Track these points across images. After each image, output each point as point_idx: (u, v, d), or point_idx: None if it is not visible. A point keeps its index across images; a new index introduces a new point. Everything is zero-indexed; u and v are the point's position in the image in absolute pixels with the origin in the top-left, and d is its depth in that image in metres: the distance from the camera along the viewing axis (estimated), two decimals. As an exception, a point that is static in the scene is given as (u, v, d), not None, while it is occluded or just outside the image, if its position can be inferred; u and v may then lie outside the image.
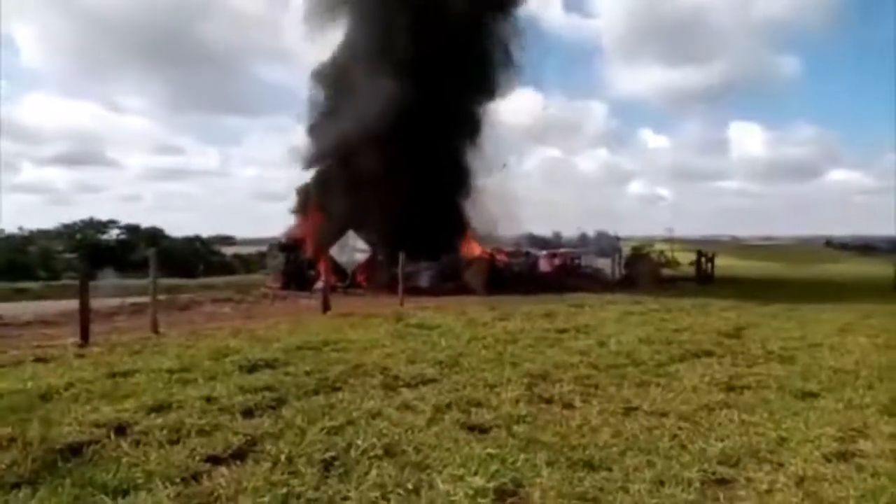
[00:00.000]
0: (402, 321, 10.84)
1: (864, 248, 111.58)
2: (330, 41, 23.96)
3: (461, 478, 3.70)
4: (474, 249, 22.08)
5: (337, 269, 18.59)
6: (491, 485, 3.59)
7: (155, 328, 9.74)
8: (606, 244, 29.35)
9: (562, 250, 26.69)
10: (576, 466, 3.96)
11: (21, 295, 20.34)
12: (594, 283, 22.60)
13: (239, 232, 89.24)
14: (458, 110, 23.63)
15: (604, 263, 26.51)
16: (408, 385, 6.11)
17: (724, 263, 39.31)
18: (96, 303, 10.72)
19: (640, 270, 25.75)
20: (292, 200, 25.00)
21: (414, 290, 17.28)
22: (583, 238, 31.62)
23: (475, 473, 3.75)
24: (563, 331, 9.96)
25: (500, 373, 6.66)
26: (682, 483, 3.73)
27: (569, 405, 5.50)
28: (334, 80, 23.74)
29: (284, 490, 3.49)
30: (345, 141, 22.14)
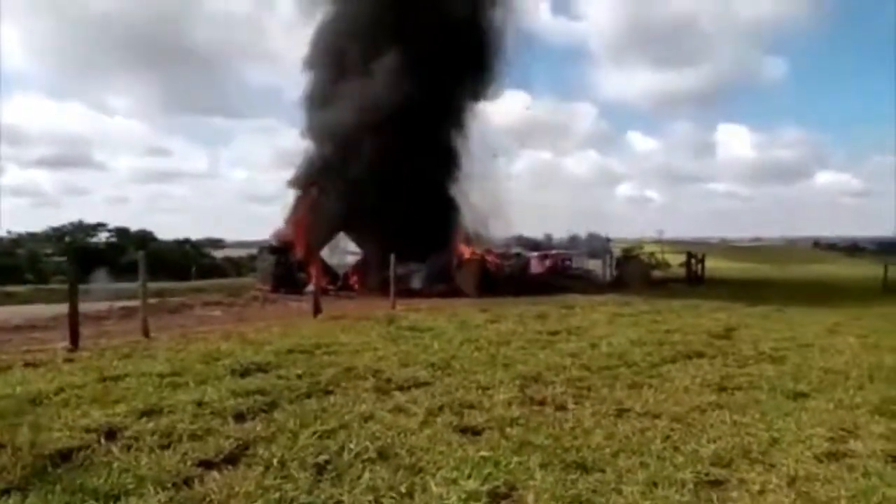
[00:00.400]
0: (394, 324, 10.82)
1: (852, 249, 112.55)
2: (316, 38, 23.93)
3: (454, 481, 3.70)
4: (465, 251, 22.06)
5: (328, 272, 18.53)
6: (484, 487, 3.59)
7: (145, 332, 9.68)
8: (597, 246, 29.38)
9: (553, 252, 26.69)
10: (569, 468, 3.96)
11: (9, 299, 20.13)
12: (585, 284, 22.62)
13: (229, 235, 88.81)
14: (448, 110, 23.63)
15: (595, 265, 26.53)
16: (400, 388, 6.10)
17: (714, 265, 39.52)
18: (86, 306, 10.65)
19: (631, 272, 25.82)
20: (284, 201, 24.90)
21: (406, 292, 17.24)
22: (573, 240, 31.63)
23: (468, 476, 3.75)
24: (555, 332, 9.98)
25: (492, 375, 6.66)
26: (675, 484, 3.74)
27: (561, 407, 5.51)
28: (321, 81, 23.68)
29: (277, 495, 3.48)
30: (335, 143, 22.13)
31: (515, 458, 4.08)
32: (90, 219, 60.08)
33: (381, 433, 4.58)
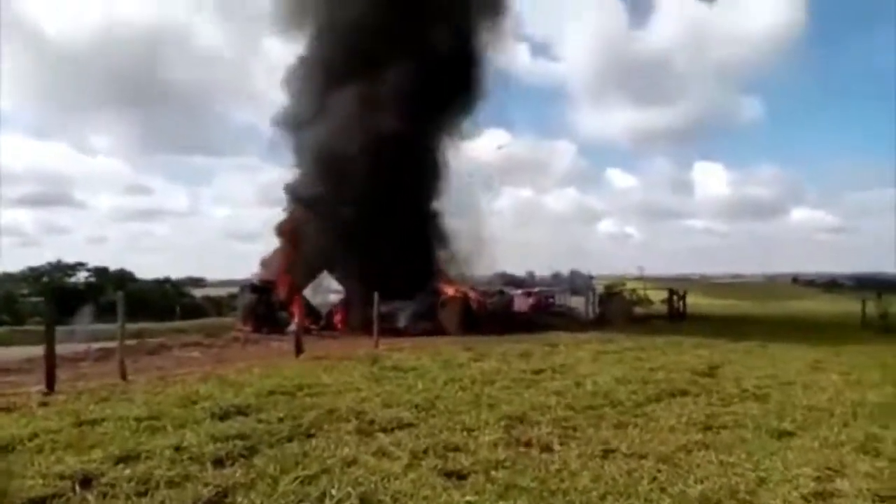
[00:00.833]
0: (377, 363, 10.72)
1: (830, 284, 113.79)
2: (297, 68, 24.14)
3: (440, 527, 3.62)
4: (449, 289, 22.03)
5: (311, 311, 18.39)
6: (470, 534, 3.52)
7: (123, 374, 9.50)
8: (580, 283, 29.50)
9: (536, 289, 26.74)
10: (556, 512, 3.90)
11: (-17, 341, 19.77)
12: (569, 321, 22.64)
13: (210, 273, 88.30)
14: (430, 146, 23.83)
15: (577, 302, 26.62)
16: (384, 430, 6.01)
17: (695, 301, 39.77)
18: (63, 348, 10.44)
19: (614, 309, 25.93)
20: (266, 240, 24.83)
21: (389, 331, 17.14)
22: (556, 277, 31.74)
23: (454, 522, 3.68)
24: (540, 371, 9.93)
25: (477, 415, 6.59)
26: (663, 528, 3.69)
27: (547, 448, 5.45)
28: (300, 111, 23.79)
29: (257, 544, 3.38)
30: (317, 182, 22.17)
31: (501, 503, 4.01)
32: (69, 258, 59.52)
33: (363, 478, 4.48)
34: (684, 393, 8.16)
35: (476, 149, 26.91)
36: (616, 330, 19.29)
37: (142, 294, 50.36)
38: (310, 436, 5.79)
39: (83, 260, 59.27)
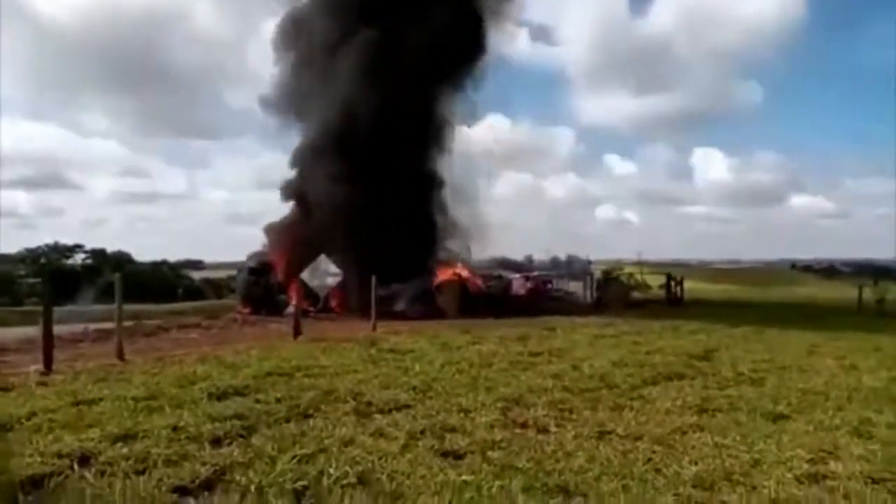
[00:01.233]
0: (375, 346, 10.75)
1: (828, 270, 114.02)
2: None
3: (436, 506, 3.65)
4: (447, 273, 22.03)
5: (309, 293, 18.40)
6: (466, 512, 3.54)
7: (120, 355, 9.52)
8: (578, 267, 29.51)
9: (534, 273, 26.75)
10: (551, 492, 3.93)
11: (-19, 321, 19.76)
12: (567, 305, 22.69)
13: (208, 256, 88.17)
14: (429, 130, 23.67)
15: (576, 287, 26.66)
16: (381, 411, 6.04)
17: (693, 286, 39.82)
18: (60, 329, 10.46)
19: (612, 293, 25.93)
20: (264, 221, 24.70)
21: (387, 314, 17.16)
22: (554, 261, 31.74)
23: (450, 501, 3.70)
24: (537, 354, 9.96)
25: (474, 397, 6.62)
26: (657, 508, 3.72)
27: (543, 430, 5.48)
28: (297, 96, 23.58)
29: (255, 521, 3.41)
30: (315, 163, 22.03)
31: (497, 483, 4.04)
32: (66, 240, 59.41)
33: (361, 458, 4.51)
34: (680, 376, 8.19)
35: (476, 134, 26.78)
36: (613, 314, 19.31)
37: (140, 276, 50.29)
38: (307, 416, 5.82)
39: (81, 242, 59.29)
